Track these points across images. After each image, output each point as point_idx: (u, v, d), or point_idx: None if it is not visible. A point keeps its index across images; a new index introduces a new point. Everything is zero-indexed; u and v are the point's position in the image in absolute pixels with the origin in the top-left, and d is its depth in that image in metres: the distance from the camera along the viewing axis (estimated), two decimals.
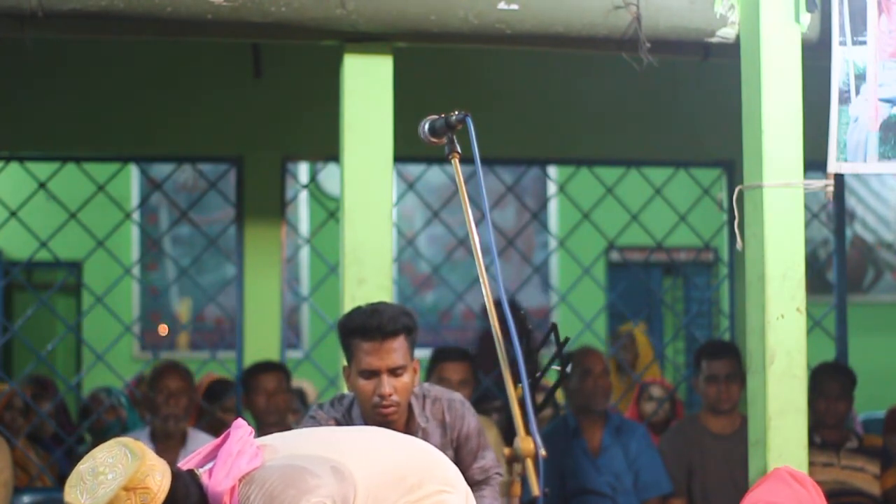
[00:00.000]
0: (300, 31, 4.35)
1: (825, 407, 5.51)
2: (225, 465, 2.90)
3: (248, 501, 2.86)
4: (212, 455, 2.98)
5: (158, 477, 2.77)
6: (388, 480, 2.99)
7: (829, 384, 5.58)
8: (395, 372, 3.58)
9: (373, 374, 3.58)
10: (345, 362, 3.72)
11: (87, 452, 6.69)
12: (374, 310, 3.63)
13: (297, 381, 7.42)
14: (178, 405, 5.29)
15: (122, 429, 6.54)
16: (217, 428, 5.90)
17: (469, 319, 9.67)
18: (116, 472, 2.75)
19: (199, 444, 5.33)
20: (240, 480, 2.89)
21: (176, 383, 5.31)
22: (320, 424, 3.66)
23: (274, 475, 2.87)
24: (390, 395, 3.57)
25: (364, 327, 3.58)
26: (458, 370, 5.47)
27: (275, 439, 3.09)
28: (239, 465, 2.90)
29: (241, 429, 2.99)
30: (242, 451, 2.93)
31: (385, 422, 3.54)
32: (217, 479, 2.88)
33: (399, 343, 3.59)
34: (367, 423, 3.60)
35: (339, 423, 3.67)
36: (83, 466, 2.79)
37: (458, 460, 3.66)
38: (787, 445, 4.12)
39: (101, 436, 6.43)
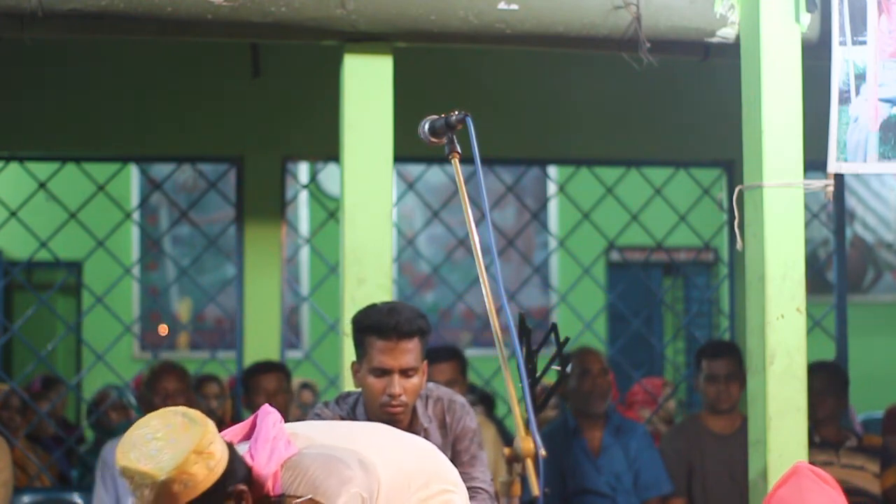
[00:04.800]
0: (300, 31, 4.34)
1: (813, 402, 5.50)
2: (265, 448, 2.86)
3: (290, 487, 2.84)
4: (244, 438, 2.96)
5: (220, 445, 2.74)
6: (400, 478, 2.99)
7: (814, 380, 5.57)
8: (406, 373, 3.58)
9: (385, 372, 3.58)
10: (353, 359, 3.71)
11: (89, 452, 6.66)
12: (392, 309, 3.62)
13: (305, 379, 7.44)
14: (176, 406, 5.28)
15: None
16: None
17: (469, 319, 9.67)
18: (179, 436, 2.70)
19: None
20: (281, 466, 2.87)
21: (173, 384, 5.31)
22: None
23: (314, 463, 2.86)
24: (399, 396, 3.57)
25: (381, 326, 3.58)
26: (445, 371, 5.44)
27: (300, 428, 3.07)
28: (279, 451, 2.87)
29: (273, 415, 2.96)
30: (278, 436, 2.91)
31: (391, 421, 3.54)
32: (260, 462, 2.85)
33: (413, 344, 3.59)
34: (371, 422, 3.60)
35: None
36: (136, 433, 2.73)
37: (450, 459, 3.67)
38: (787, 445, 4.12)
39: (107, 435, 6.44)
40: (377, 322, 3.59)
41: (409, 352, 3.58)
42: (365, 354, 3.61)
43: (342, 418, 3.68)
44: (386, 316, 3.58)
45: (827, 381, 5.62)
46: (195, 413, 2.78)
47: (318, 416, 3.71)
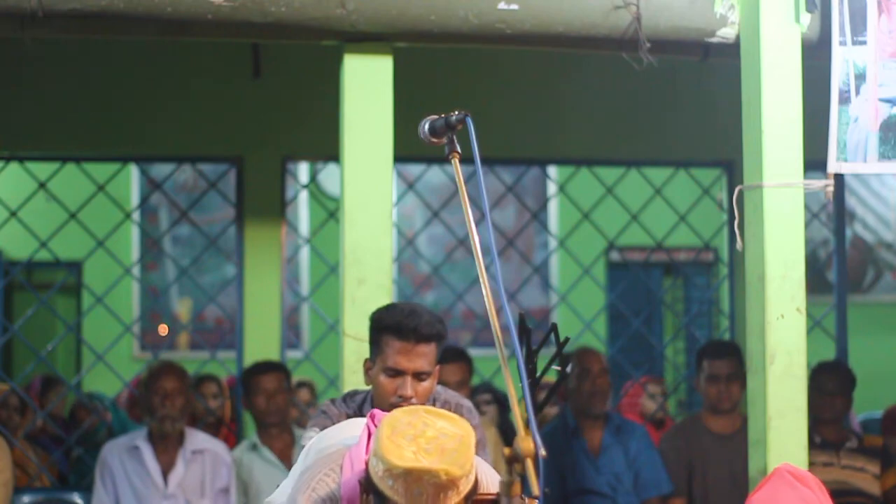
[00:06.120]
0: (300, 31, 4.34)
1: (821, 402, 5.50)
2: None
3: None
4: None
5: None
6: None
7: (826, 380, 5.59)
8: (419, 376, 3.57)
9: (398, 373, 3.57)
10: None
11: (80, 457, 6.58)
12: (413, 311, 3.61)
13: (302, 378, 7.42)
14: (175, 406, 5.29)
15: (109, 430, 6.55)
16: None
17: (469, 319, 9.67)
18: (450, 430, 2.64)
19: (197, 443, 5.34)
20: None
21: (172, 384, 5.31)
22: (332, 419, 3.65)
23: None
24: (410, 398, 3.57)
25: (400, 327, 3.57)
26: (455, 372, 5.46)
27: None
28: None
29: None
30: None
31: None
32: None
33: (430, 349, 3.58)
34: None
35: None
36: (390, 435, 2.61)
37: None
38: (787, 445, 4.12)
39: (90, 439, 6.44)
40: (397, 323, 3.58)
41: (425, 356, 3.57)
42: (380, 353, 3.61)
43: (348, 416, 3.68)
44: (406, 318, 3.57)
45: (838, 382, 5.62)
46: (430, 408, 2.74)
47: (325, 414, 3.71)
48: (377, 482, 2.64)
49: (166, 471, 5.28)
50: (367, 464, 2.72)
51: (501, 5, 4.32)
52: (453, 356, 5.55)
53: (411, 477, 2.58)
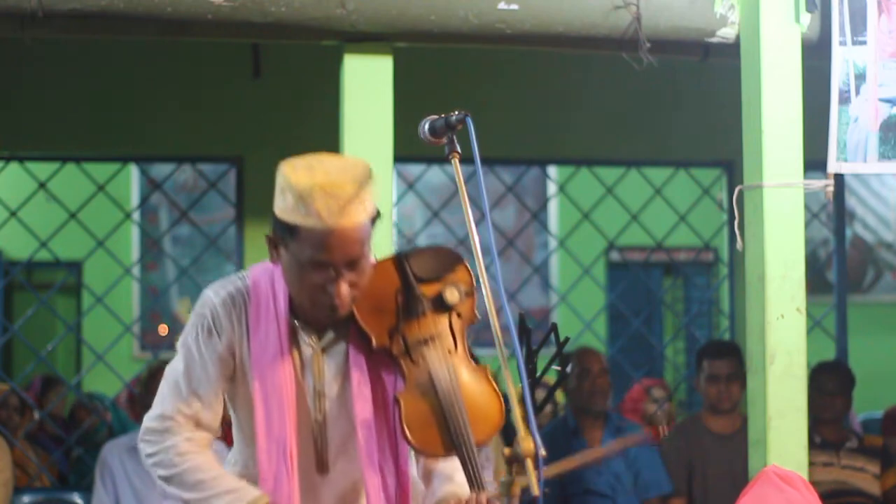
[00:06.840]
0: (300, 31, 4.34)
1: (821, 402, 5.50)
2: None
3: None
4: None
5: None
6: None
7: (826, 380, 5.59)
8: None
9: None
10: None
11: (80, 457, 6.60)
12: None
13: None
14: None
15: (109, 430, 6.55)
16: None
17: None
18: (346, 163, 2.84)
19: None
20: None
21: None
22: None
23: None
24: None
25: None
26: None
27: None
28: None
29: None
30: None
31: None
32: None
33: None
34: None
35: None
36: (297, 172, 2.74)
37: None
38: (787, 445, 4.12)
39: (90, 439, 6.44)
40: None
41: None
42: None
43: None
44: None
45: (838, 382, 5.62)
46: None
47: None
48: (289, 217, 2.70)
49: None
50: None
51: (501, 5, 4.32)
52: None
53: (320, 193, 2.69)
